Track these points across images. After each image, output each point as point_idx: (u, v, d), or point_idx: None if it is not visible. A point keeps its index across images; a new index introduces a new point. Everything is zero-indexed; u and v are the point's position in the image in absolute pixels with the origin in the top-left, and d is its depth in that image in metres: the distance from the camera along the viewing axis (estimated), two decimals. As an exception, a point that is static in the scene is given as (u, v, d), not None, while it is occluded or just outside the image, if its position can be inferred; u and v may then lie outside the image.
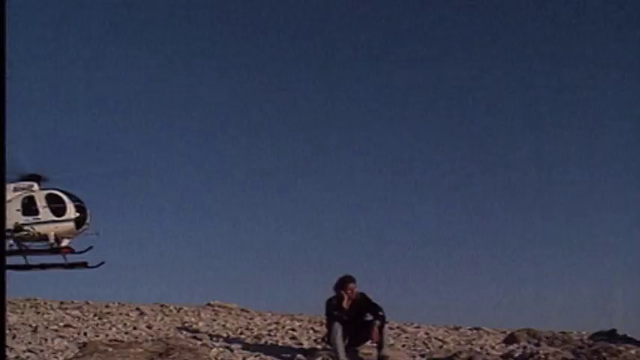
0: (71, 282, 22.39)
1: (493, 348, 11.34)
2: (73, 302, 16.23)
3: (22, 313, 13.32)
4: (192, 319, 14.23)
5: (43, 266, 20.81)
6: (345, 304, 9.48)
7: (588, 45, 44.15)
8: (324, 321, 10.07)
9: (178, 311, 15.79)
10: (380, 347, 9.20)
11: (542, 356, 9.76)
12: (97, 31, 43.39)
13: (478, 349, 10.88)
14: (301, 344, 11.08)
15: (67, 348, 9.55)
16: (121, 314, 14.30)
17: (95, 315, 13.79)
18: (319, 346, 10.62)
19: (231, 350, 10.05)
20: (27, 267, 20.57)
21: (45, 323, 11.96)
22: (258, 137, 43.60)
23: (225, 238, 36.98)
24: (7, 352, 8.81)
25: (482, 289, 35.11)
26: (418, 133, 45.15)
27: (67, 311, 14.16)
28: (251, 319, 15.13)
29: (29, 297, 16.34)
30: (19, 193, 21.96)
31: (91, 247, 20.75)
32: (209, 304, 20.24)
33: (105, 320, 13.09)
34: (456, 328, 14.04)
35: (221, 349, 10.12)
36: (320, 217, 38.64)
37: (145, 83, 42.54)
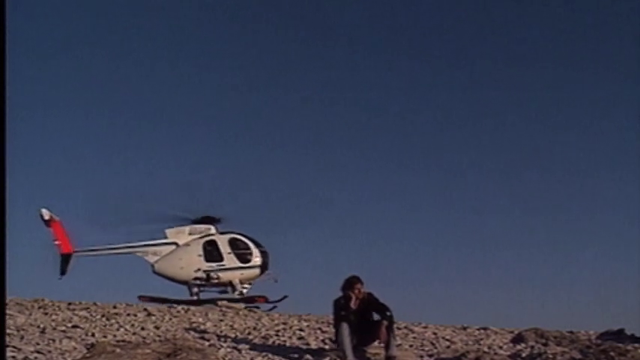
0: (79, 283, 22.39)
1: (501, 348, 11.31)
2: (80, 303, 16.24)
3: (30, 314, 13.33)
4: (200, 320, 14.23)
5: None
6: (353, 304, 9.47)
7: (587, 44, 44.19)
8: (332, 321, 10.07)
9: (186, 312, 15.81)
10: (387, 347, 9.18)
11: (550, 356, 9.73)
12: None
13: (486, 349, 10.86)
14: (309, 344, 11.06)
15: (74, 349, 9.56)
16: (128, 315, 14.31)
17: (103, 316, 13.80)
18: (327, 347, 10.62)
19: (239, 351, 10.05)
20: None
21: (53, 324, 11.97)
22: (263, 139, 43.74)
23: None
24: (15, 354, 8.82)
25: (489, 289, 35.15)
26: (427, 133, 45.23)
27: (75, 312, 14.18)
28: (258, 319, 15.13)
29: (37, 298, 16.37)
30: (196, 236, 21.38)
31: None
32: (216, 305, 20.28)
33: (113, 321, 13.10)
34: (464, 328, 14.02)
35: (229, 349, 10.13)
36: (327, 217, 38.63)
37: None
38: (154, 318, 14.04)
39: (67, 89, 45.09)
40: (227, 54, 47.00)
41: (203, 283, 20.67)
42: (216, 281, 20.71)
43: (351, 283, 9.59)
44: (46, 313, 13.69)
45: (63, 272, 21.00)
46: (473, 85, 47.09)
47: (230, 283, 20.84)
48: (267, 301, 20.17)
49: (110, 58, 44.69)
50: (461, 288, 35.20)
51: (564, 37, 47.21)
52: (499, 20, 47.53)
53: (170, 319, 14.11)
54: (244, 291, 20.75)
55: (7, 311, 12.84)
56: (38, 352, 9.14)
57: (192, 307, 17.03)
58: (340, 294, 9.63)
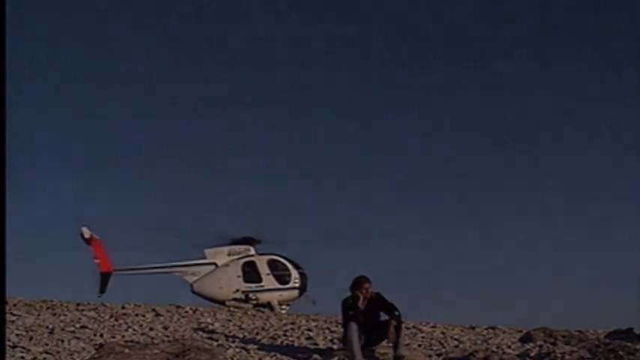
0: (87, 283, 22.38)
1: (509, 347, 11.28)
2: (89, 304, 16.29)
3: (39, 314, 13.37)
4: (208, 320, 14.25)
5: None
6: (361, 304, 9.46)
7: (582, 44, 44.12)
8: (340, 321, 10.07)
9: (194, 312, 15.83)
10: (396, 347, 9.16)
11: (559, 355, 9.70)
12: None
13: (494, 349, 10.83)
14: (317, 344, 11.07)
15: (83, 349, 9.59)
16: (137, 315, 14.34)
17: (111, 316, 13.83)
18: (335, 347, 10.61)
19: (248, 351, 10.06)
20: None
21: (61, 325, 12.00)
22: (269, 142, 43.85)
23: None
24: (24, 354, 8.86)
25: (497, 288, 35.07)
26: (434, 133, 45.20)
27: (84, 312, 14.21)
28: (267, 319, 15.14)
29: (45, 299, 16.42)
30: (235, 257, 21.53)
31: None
32: (224, 305, 20.30)
33: (121, 321, 13.12)
34: (472, 328, 14.00)
35: (237, 349, 10.14)
36: (335, 217, 38.64)
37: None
38: (162, 318, 14.07)
39: (117, 112, 45.35)
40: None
41: (241, 304, 20.76)
42: (254, 302, 20.82)
43: (359, 282, 9.58)
44: (55, 314, 13.73)
45: (102, 291, 21.15)
46: (477, 88, 47.03)
47: (268, 304, 20.96)
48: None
49: (159, 77, 45.09)
50: (469, 288, 35.16)
51: (565, 37, 47.05)
52: (499, 20, 47.44)
53: (178, 319, 14.13)
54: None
55: (16, 312, 12.90)
56: (47, 352, 9.18)
57: (201, 308, 17.05)
58: (348, 294, 9.63)
